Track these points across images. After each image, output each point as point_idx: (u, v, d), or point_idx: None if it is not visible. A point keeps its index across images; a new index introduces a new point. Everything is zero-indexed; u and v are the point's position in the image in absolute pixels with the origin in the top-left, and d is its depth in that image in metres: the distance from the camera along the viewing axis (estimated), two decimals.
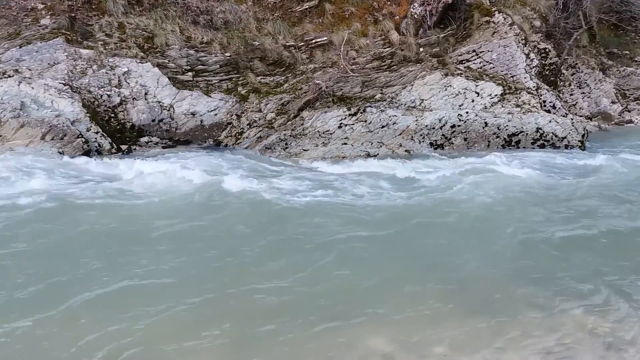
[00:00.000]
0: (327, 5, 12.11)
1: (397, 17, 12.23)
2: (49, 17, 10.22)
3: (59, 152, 8.93)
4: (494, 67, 11.78)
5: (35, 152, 8.81)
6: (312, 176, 8.57)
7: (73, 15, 10.38)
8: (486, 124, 10.79)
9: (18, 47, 9.75)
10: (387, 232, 5.85)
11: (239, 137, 10.55)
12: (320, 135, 10.49)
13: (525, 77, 11.77)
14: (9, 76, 9.33)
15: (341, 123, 10.59)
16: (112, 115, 9.82)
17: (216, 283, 4.85)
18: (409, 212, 6.37)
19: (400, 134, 10.56)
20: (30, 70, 9.56)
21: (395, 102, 11.08)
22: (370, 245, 5.57)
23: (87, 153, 9.16)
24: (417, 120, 10.67)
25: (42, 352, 3.92)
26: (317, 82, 11.10)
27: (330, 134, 10.52)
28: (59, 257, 5.19)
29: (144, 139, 9.89)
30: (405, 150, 10.38)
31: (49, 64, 9.72)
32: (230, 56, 11.12)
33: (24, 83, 9.30)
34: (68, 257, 5.20)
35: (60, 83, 9.53)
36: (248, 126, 10.65)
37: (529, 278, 5.08)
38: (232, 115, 10.71)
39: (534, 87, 11.70)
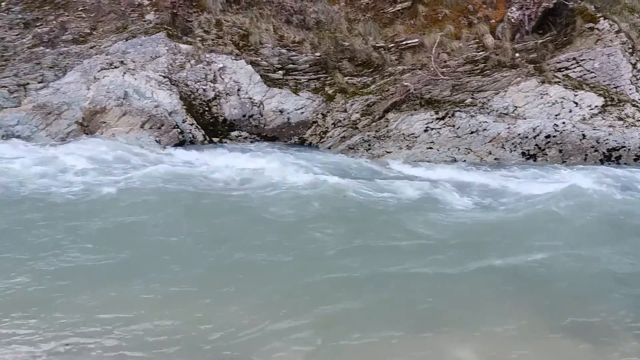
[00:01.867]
0: (420, 7, 11.94)
1: (493, 20, 11.84)
2: (153, 12, 10.79)
3: (156, 140, 9.41)
4: (595, 77, 11.12)
5: (134, 139, 9.35)
6: (397, 178, 8.49)
7: (175, 11, 10.89)
8: (584, 136, 10.20)
9: (124, 40, 10.37)
10: (480, 240, 5.67)
11: (323, 136, 10.64)
12: (404, 138, 10.37)
13: (630, 89, 11.01)
14: (115, 67, 9.94)
15: (427, 126, 10.40)
16: (207, 108, 10.22)
17: (301, 280, 4.92)
18: (503, 223, 6.15)
19: (490, 141, 10.21)
20: (134, 62, 10.14)
21: (487, 108, 10.73)
22: (463, 254, 5.42)
23: (181, 143, 9.60)
24: (509, 127, 10.28)
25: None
26: (405, 84, 10.97)
27: (416, 137, 10.37)
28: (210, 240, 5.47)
29: (234, 133, 10.22)
30: (495, 159, 10.03)
31: (151, 57, 10.26)
32: (320, 56, 11.23)
33: (128, 74, 9.87)
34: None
35: (160, 75, 10.03)
36: (332, 125, 10.71)
37: (633, 303, 4.74)
38: (317, 114, 10.82)
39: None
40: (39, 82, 9.60)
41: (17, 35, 9.92)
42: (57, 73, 9.77)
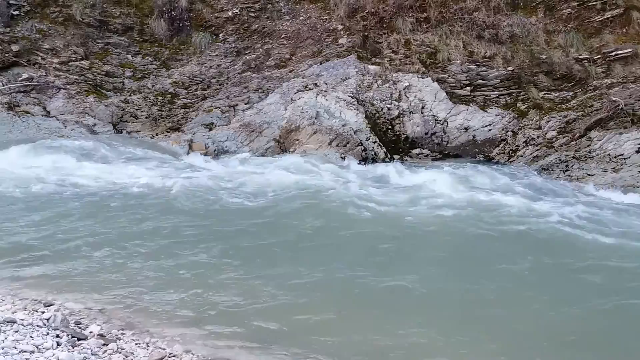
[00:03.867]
0: (635, 13, 10.58)
1: None
2: (346, 36, 11.42)
3: (341, 157, 9.93)
4: None
5: (322, 155, 9.99)
6: (606, 207, 7.61)
7: (366, 34, 11.38)
8: None
9: (319, 63, 11.16)
10: None
11: (512, 154, 10.06)
12: (610, 160, 9.30)
13: None
14: (309, 89, 10.76)
15: None
16: (390, 127, 10.44)
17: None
18: None
19: None
20: (326, 84, 10.85)
21: None
22: None
23: (363, 160, 9.97)
24: None
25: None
26: (614, 98, 9.82)
27: (625, 158, 9.23)
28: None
29: (415, 151, 10.26)
30: None
31: (341, 78, 10.87)
32: (512, 70, 10.68)
33: (320, 95, 10.60)
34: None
35: (349, 96, 10.57)
36: (524, 144, 10.07)
37: None
38: (507, 131, 10.28)
39: None
40: (245, 104, 10.87)
41: (230, 62, 11.39)
42: (260, 95, 10.94)
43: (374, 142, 10.14)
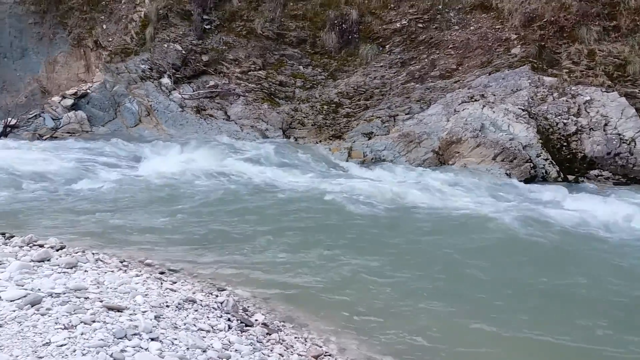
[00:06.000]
0: None
1: None
2: (519, 46, 10.69)
3: (505, 173, 9.24)
4: None
5: (484, 170, 9.40)
6: None
7: (543, 43, 10.53)
8: None
9: (487, 74, 10.59)
10: None
11: None
12: None
13: None
14: (475, 100, 10.24)
15: None
16: (565, 144, 9.47)
17: None
18: None
19: None
20: (494, 95, 10.23)
21: None
22: None
23: (531, 178, 9.16)
24: None
25: None
26: None
27: None
28: None
29: (594, 172, 9.14)
30: None
31: (511, 90, 10.18)
32: None
33: (486, 107, 10.03)
34: None
35: (519, 109, 9.83)
36: None
37: None
38: None
39: None
40: (405, 114, 10.70)
41: (394, 73, 11.33)
42: (422, 106, 10.70)
43: (545, 160, 9.28)
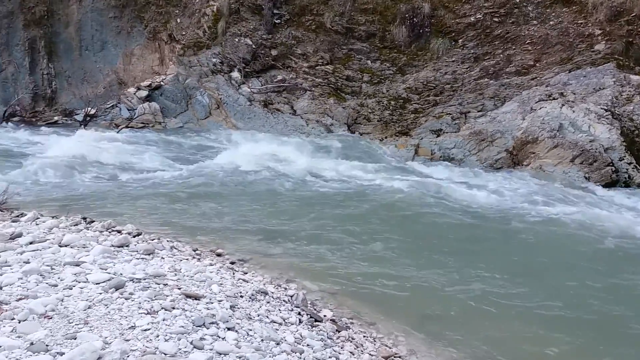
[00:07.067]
0: None
1: None
2: (603, 42, 10.09)
3: (584, 177, 8.76)
4: None
5: (561, 173, 8.95)
6: None
7: (630, 40, 9.89)
8: None
9: (567, 71, 10.06)
10: None
11: None
12: None
13: None
14: (554, 99, 9.75)
15: None
16: None
17: None
18: None
19: None
20: (574, 94, 9.71)
21: None
22: None
23: (613, 183, 8.63)
24: None
25: None
26: None
27: None
28: None
29: None
30: None
31: (594, 89, 9.62)
32: None
33: (565, 106, 9.53)
34: None
35: (602, 108, 9.28)
36: None
37: None
38: None
39: None
40: (478, 111, 10.34)
41: (466, 68, 10.97)
42: (496, 103, 10.31)
43: (629, 164, 8.71)
